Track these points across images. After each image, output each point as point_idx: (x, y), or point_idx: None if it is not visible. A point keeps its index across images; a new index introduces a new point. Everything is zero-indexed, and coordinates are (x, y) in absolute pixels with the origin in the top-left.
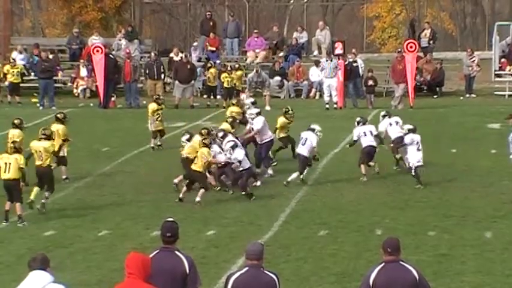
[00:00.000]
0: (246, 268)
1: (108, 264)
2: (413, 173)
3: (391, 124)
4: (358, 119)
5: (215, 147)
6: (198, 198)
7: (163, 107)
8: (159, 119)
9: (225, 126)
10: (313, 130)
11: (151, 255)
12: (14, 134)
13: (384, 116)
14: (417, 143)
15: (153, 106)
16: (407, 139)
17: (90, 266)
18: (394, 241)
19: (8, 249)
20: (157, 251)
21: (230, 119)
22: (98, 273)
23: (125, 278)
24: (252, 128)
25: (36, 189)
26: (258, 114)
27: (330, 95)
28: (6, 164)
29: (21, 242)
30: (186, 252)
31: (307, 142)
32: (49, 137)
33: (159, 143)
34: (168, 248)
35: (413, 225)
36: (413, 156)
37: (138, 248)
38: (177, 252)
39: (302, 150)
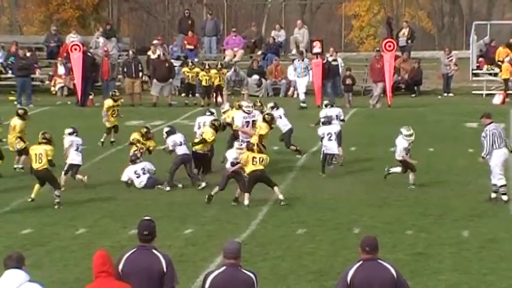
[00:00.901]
0: (224, 267)
1: (86, 262)
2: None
3: (280, 117)
4: (325, 102)
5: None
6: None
7: (119, 104)
8: (114, 115)
9: (264, 126)
10: (401, 133)
11: (128, 254)
12: None
13: (272, 108)
14: (328, 133)
15: (108, 102)
16: (319, 131)
17: (67, 264)
18: (372, 240)
19: None
20: (135, 249)
21: (268, 116)
22: (75, 271)
23: (94, 279)
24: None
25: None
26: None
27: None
28: None
29: None
30: (163, 250)
31: (397, 149)
32: (49, 141)
33: (112, 139)
34: (145, 247)
35: (390, 224)
36: (326, 146)
37: (116, 246)
38: (154, 251)
39: (397, 155)
